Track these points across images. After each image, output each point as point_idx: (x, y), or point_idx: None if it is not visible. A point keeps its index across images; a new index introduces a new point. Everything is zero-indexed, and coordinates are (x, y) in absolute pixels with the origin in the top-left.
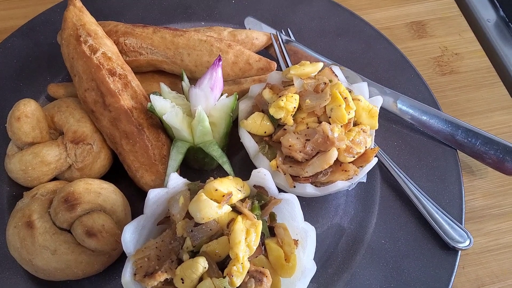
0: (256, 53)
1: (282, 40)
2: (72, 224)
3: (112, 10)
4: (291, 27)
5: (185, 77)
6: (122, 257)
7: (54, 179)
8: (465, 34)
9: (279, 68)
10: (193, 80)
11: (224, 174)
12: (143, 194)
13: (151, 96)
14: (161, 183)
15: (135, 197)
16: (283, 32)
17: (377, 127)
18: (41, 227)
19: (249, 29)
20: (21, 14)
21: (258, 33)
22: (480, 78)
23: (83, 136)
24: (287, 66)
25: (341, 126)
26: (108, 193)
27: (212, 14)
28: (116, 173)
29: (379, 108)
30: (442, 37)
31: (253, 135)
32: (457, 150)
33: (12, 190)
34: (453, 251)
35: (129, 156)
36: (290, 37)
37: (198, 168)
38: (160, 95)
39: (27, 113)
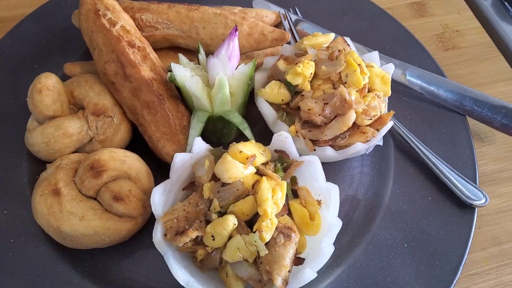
0: None
1: (290, 17)
2: (98, 192)
3: None
4: (297, 7)
5: (201, 50)
6: (145, 228)
7: (75, 152)
8: (464, 13)
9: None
10: (209, 54)
11: None
12: (164, 167)
13: (172, 64)
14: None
15: (156, 170)
16: (291, 10)
17: (389, 94)
18: (68, 194)
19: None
20: (28, 2)
21: (267, 11)
22: (481, 52)
23: (104, 108)
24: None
25: (357, 91)
26: (132, 160)
27: None
28: (135, 147)
29: (391, 75)
30: (442, 15)
31: (270, 104)
32: (466, 116)
33: (32, 167)
34: (470, 208)
35: (151, 126)
36: (298, 15)
37: (215, 141)
38: None
39: (48, 86)
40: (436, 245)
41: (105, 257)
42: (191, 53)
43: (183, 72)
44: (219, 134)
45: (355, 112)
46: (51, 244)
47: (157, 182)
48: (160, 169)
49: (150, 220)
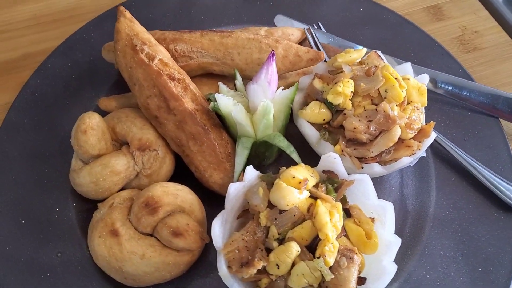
0: None
1: (314, 33)
2: (154, 228)
3: (142, 23)
4: (319, 21)
5: (238, 76)
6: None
7: (122, 189)
8: (480, 13)
9: None
10: (244, 78)
11: (281, 165)
12: (209, 195)
13: (217, 95)
14: (229, 180)
15: (201, 198)
16: (314, 26)
17: (426, 104)
18: (126, 234)
19: (279, 25)
20: (53, 36)
21: (292, 29)
22: (502, 52)
23: (148, 142)
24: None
25: (397, 105)
26: (184, 193)
27: (240, 17)
28: (178, 178)
29: (426, 85)
30: (459, 17)
31: (311, 124)
32: (499, 118)
33: (79, 206)
34: None
35: (197, 157)
36: (321, 29)
37: (257, 164)
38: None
39: (92, 126)
40: (488, 251)
41: None
42: (225, 79)
43: (226, 101)
44: (261, 158)
45: (399, 126)
46: (110, 284)
47: (208, 212)
48: (205, 196)
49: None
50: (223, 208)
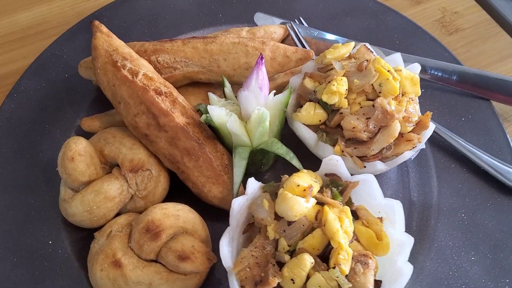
0: None
1: (297, 29)
2: (158, 253)
3: (116, 32)
4: (299, 15)
5: (226, 83)
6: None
7: (117, 214)
8: None
9: None
10: (232, 84)
11: (278, 172)
12: (209, 208)
13: (209, 107)
14: (229, 193)
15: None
16: (296, 21)
17: (420, 94)
18: (129, 264)
19: (259, 23)
20: (20, 55)
21: (274, 27)
22: (483, 31)
23: (141, 163)
24: None
25: (392, 98)
26: (185, 213)
27: (218, 18)
28: (173, 194)
29: (418, 74)
30: None
31: (307, 126)
32: (490, 100)
33: (72, 235)
34: None
35: (194, 173)
36: (303, 24)
37: (254, 171)
38: (205, 105)
39: (79, 151)
40: (496, 237)
41: None
42: (212, 86)
43: (219, 112)
44: (258, 165)
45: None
46: None
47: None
48: (204, 211)
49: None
50: (226, 222)
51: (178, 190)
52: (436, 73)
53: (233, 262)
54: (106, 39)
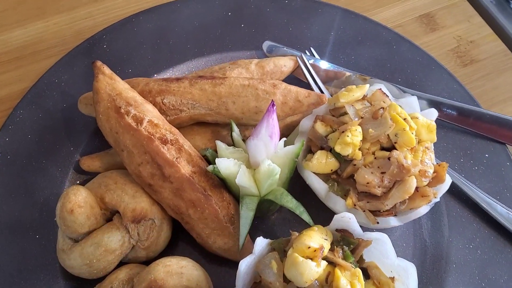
0: (284, 79)
1: (307, 62)
2: None
3: (117, 57)
4: (309, 43)
5: (234, 127)
6: None
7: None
8: (474, 20)
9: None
10: (240, 126)
11: (286, 212)
12: (211, 255)
13: (217, 160)
14: (235, 244)
15: (205, 260)
16: (306, 52)
17: (435, 140)
18: None
19: (269, 53)
20: (15, 77)
21: (284, 59)
22: (499, 63)
23: (143, 212)
24: (319, 87)
25: (408, 149)
26: (189, 270)
27: (224, 43)
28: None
29: (434, 120)
30: (453, 26)
31: (317, 175)
32: (506, 144)
33: (71, 283)
34: None
35: (198, 225)
36: (314, 56)
37: (260, 215)
38: (212, 150)
39: (79, 203)
40: None
41: None
42: (217, 126)
43: (227, 164)
44: (264, 212)
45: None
46: None
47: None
48: (208, 258)
49: None
50: (231, 270)
51: (182, 232)
52: (451, 112)
53: None
54: (109, 82)
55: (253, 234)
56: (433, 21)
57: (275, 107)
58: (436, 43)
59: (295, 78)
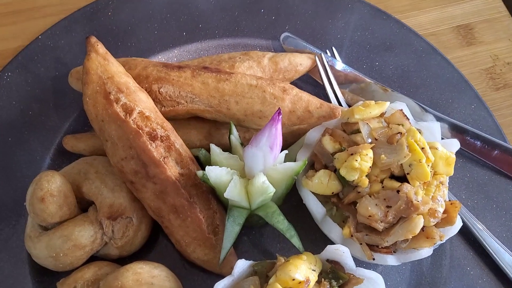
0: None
1: (326, 63)
2: None
3: (122, 28)
4: (331, 41)
5: (234, 130)
6: None
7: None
8: None
9: (322, 92)
10: (241, 128)
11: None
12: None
13: (207, 168)
14: (215, 256)
15: (181, 265)
16: (327, 52)
17: (452, 174)
18: None
19: (285, 45)
20: (9, 33)
21: (301, 57)
22: None
23: (121, 209)
24: (334, 93)
25: (421, 183)
26: (161, 281)
27: (240, 28)
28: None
29: (455, 152)
30: (491, 43)
31: (316, 195)
32: None
33: (35, 276)
34: None
35: (179, 232)
36: (334, 57)
37: (248, 225)
38: (206, 151)
39: (52, 192)
40: None
41: None
42: (215, 123)
43: (218, 172)
44: (253, 223)
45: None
46: None
47: (183, 277)
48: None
49: None
50: (207, 279)
51: (162, 233)
52: (474, 142)
53: None
54: (102, 63)
55: (238, 242)
56: (471, 34)
57: (280, 116)
58: (469, 60)
59: (309, 77)
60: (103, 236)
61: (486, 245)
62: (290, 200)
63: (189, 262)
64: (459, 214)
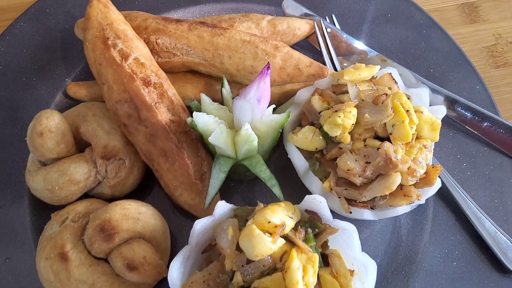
0: (297, 43)
1: (325, 29)
2: (109, 254)
3: None
4: (333, 10)
5: (226, 84)
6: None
7: (84, 194)
8: None
9: (321, 60)
10: (233, 84)
11: (264, 185)
12: (177, 207)
13: (194, 113)
14: (201, 202)
15: (170, 210)
16: (326, 18)
17: (437, 140)
18: (75, 259)
19: (287, 11)
20: None
21: (300, 21)
22: None
23: (115, 150)
24: (331, 59)
25: (403, 143)
26: (146, 217)
27: None
28: (147, 182)
29: (441, 119)
30: (495, 22)
31: (301, 150)
32: None
33: (34, 208)
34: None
35: (167, 175)
36: (334, 24)
37: (237, 178)
38: (198, 102)
39: (50, 128)
40: None
41: None
42: (212, 78)
43: (205, 120)
44: (242, 175)
45: (400, 172)
46: None
47: (172, 221)
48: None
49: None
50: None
51: (155, 180)
52: (465, 114)
53: (182, 284)
54: (102, 10)
55: (227, 196)
56: (476, 12)
57: (269, 70)
58: (472, 37)
59: (310, 45)
60: (96, 174)
61: (468, 213)
62: (279, 159)
63: (177, 208)
64: (441, 178)
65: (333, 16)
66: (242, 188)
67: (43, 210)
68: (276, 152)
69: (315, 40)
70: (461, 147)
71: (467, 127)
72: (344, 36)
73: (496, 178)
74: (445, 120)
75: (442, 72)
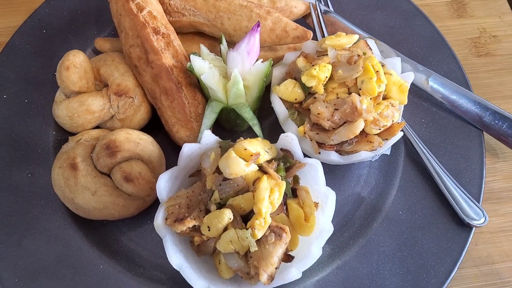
0: (294, 21)
1: (320, 10)
2: (111, 169)
3: None
4: None
5: (224, 41)
6: (154, 204)
7: (97, 127)
8: (506, 17)
9: (315, 38)
10: (231, 44)
11: (254, 136)
12: (177, 148)
13: (191, 56)
14: (195, 139)
15: (170, 150)
16: (322, 1)
17: (406, 103)
18: (83, 170)
19: None
20: None
21: (297, 1)
22: None
23: (126, 89)
24: (324, 36)
25: (370, 98)
26: (146, 143)
27: None
28: (154, 127)
29: (410, 84)
30: (481, 18)
31: (284, 101)
32: (483, 132)
33: (57, 135)
34: (467, 227)
35: (167, 112)
36: (328, 7)
37: (229, 128)
38: (200, 56)
39: (75, 64)
40: (427, 258)
41: (114, 228)
42: (216, 40)
43: (202, 64)
44: (233, 123)
45: (365, 120)
46: (67, 211)
47: (171, 160)
48: (174, 148)
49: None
50: None
51: (159, 127)
52: (438, 88)
53: (168, 197)
54: None
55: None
56: (463, 9)
57: (259, 28)
58: (457, 29)
59: (307, 25)
60: (110, 108)
61: (434, 174)
62: (265, 112)
63: (175, 147)
64: (411, 143)
65: (328, 0)
66: (234, 140)
67: (65, 140)
68: (263, 105)
69: (310, 21)
70: (434, 118)
71: (442, 100)
72: (337, 17)
73: (464, 146)
74: (421, 94)
75: (423, 54)
